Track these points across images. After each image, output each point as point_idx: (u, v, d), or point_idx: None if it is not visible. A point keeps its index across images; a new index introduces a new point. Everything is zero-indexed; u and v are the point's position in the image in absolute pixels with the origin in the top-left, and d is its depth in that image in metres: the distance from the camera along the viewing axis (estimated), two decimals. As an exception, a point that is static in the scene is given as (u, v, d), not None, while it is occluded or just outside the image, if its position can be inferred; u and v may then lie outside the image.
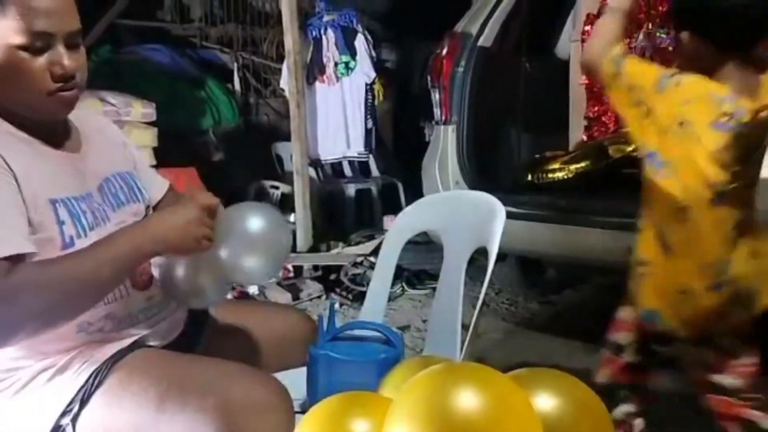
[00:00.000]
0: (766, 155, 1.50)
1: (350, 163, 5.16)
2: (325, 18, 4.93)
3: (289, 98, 4.40)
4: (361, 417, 0.95)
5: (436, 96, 3.16)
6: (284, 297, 3.48)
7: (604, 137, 3.27)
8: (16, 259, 1.12)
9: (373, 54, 4.97)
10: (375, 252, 3.75)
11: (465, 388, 0.86)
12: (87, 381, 1.20)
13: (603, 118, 3.50)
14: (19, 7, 1.18)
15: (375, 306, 1.76)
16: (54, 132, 1.30)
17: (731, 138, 1.37)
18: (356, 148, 5.04)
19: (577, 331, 2.81)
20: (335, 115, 4.97)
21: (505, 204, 1.57)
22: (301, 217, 4.23)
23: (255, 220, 1.29)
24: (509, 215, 1.53)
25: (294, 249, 4.14)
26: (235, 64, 5.72)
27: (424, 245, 2.98)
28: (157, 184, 1.54)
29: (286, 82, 4.60)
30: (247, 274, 1.36)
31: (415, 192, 3.23)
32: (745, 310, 1.46)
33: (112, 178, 1.37)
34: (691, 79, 1.39)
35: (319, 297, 3.60)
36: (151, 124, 3.99)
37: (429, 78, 3.21)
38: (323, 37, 4.92)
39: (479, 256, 1.57)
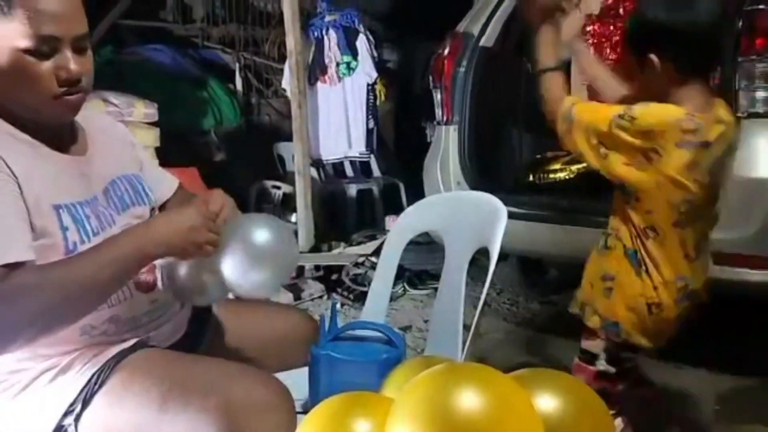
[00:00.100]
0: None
1: (352, 163, 5.17)
2: (327, 18, 4.93)
3: (290, 98, 4.41)
4: (362, 417, 0.95)
5: (437, 96, 3.16)
6: (286, 297, 3.48)
7: (606, 137, 3.27)
8: (15, 266, 1.11)
9: (375, 54, 4.97)
10: (376, 252, 3.76)
11: (466, 388, 0.86)
12: (89, 381, 1.20)
13: (604, 119, 3.51)
14: (26, 10, 1.16)
15: (376, 306, 1.76)
16: (60, 135, 1.29)
17: (695, 155, 1.43)
18: (358, 148, 5.04)
19: (578, 332, 2.80)
20: (337, 115, 4.97)
21: (506, 204, 1.57)
22: (302, 217, 4.23)
23: (261, 234, 1.27)
24: (510, 215, 1.53)
25: (295, 249, 4.13)
26: (237, 65, 5.73)
27: (426, 245, 2.98)
28: (165, 183, 1.53)
29: (287, 82, 4.61)
30: (248, 289, 1.32)
31: (417, 192, 3.23)
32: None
33: (117, 180, 1.36)
34: (646, 110, 1.43)
35: (320, 297, 3.60)
36: (153, 124, 3.99)
37: (430, 78, 3.22)
38: (325, 37, 4.93)
39: (480, 256, 1.57)
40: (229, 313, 1.53)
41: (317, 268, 3.88)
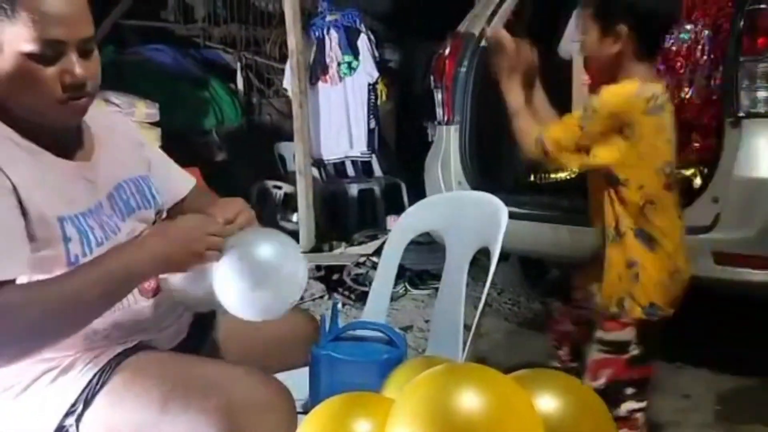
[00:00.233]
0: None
1: (353, 163, 5.17)
2: (328, 18, 4.94)
3: (291, 98, 4.41)
4: (363, 417, 0.95)
5: (438, 96, 3.16)
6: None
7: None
8: (1, 284, 1.09)
9: (376, 54, 4.97)
10: (378, 252, 3.76)
11: (467, 388, 0.87)
12: (90, 381, 1.20)
13: (606, 118, 3.50)
14: (31, 13, 1.13)
15: (377, 306, 1.76)
16: (64, 140, 1.26)
17: (660, 118, 1.58)
18: (359, 148, 5.04)
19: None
20: (338, 115, 4.97)
21: (507, 204, 1.58)
22: (303, 217, 4.23)
23: (262, 250, 1.20)
24: (511, 215, 1.53)
25: (296, 249, 4.13)
26: (238, 64, 5.73)
27: (427, 245, 2.98)
28: (179, 183, 1.50)
29: (289, 82, 4.61)
30: (244, 312, 1.23)
31: (418, 192, 3.23)
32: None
33: (124, 184, 1.33)
34: (602, 98, 1.55)
35: (321, 297, 3.60)
36: (155, 124, 4.00)
37: (432, 78, 3.22)
38: (326, 37, 4.93)
39: (481, 256, 1.57)
40: (230, 314, 1.52)
41: (318, 268, 3.89)
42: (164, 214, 1.43)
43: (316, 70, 4.95)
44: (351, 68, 4.92)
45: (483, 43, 3.11)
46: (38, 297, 1.11)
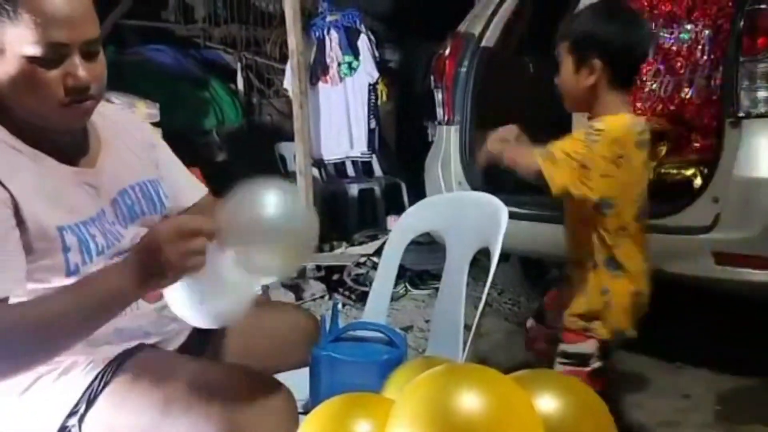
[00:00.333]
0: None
1: (353, 163, 5.17)
2: (328, 18, 4.94)
3: (292, 98, 4.41)
4: (363, 418, 0.95)
5: (438, 96, 3.16)
6: (287, 297, 3.49)
7: (607, 137, 3.27)
8: None
9: (376, 54, 4.98)
10: (378, 252, 3.76)
11: (467, 389, 0.87)
12: (93, 382, 1.20)
13: (606, 118, 3.50)
14: (33, 15, 1.10)
15: (378, 306, 1.76)
16: (69, 145, 1.23)
17: (647, 151, 1.66)
18: (359, 148, 5.05)
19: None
20: (338, 115, 4.97)
21: (507, 204, 1.58)
22: (304, 217, 4.23)
23: (266, 206, 1.13)
24: (512, 216, 1.53)
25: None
26: (239, 65, 5.74)
27: (427, 245, 2.98)
28: (188, 190, 1.45)
29: (289, 82, 4.61)
30: (262, 270, 1.18)
31: (419, 192, 3.23)
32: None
33: (129, 189, 1.30)
34: (605, 122, 1.61)
35: (322, 297, 3.61)
36: (155, 124, 4.00)
37: (432, 78, 3.22)
38: (326, 37, 4.93)
39: (482, 256, 1.58)
40: None
41: (319, 268, 3.89)
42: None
43: (317, 71, 4.95)
44: (351, 68, 4.92)
45: (483, 43, 3.12)
46: (20, 320, 1.07)
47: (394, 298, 3.35)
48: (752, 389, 2.42)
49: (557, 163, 1.59)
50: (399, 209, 4.28)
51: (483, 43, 3.10)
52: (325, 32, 4.93)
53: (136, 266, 1.09)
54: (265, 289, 3.53)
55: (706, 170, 2.45)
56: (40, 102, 1.14)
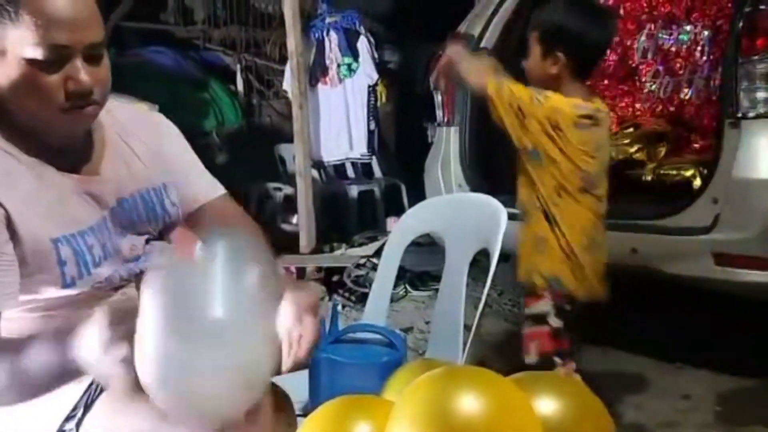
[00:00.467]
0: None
1: (353, 164, 5.17)
2: (328, 20, 4.94)
3: (291, 100, 4.41)
4: (362, 420, 0.95)
5: (438, 97, 3.16)
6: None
7: (607, 138, 3.27)
8: None
9: (376, 55, 4.98)
10: (378, 253, 3.76)
11: (466, 391, 0.87)
12: (90, 385, 1.20)
13: (605, 119, 3.51)
14: (34, 16, 1.06)
15: (378, 307, 1.76)
16: (70, 151, 1.19)
17: (588, 134, 1.79)
18: (359, 149, 5.05)
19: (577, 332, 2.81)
20: (338, 116, 4.97)
21: (506, 206, 1.58)
22: (304, 218, 4.23)
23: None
24: (511, 217, 1.53)
25: (297, 250, 4.14)
26: (238, 66, 5.74)
27: (427, 247, 2.98)
28: (200, 188, 1.35)
29: (288, 83, 4.61)
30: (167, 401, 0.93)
31: (418, 193, 3.23)
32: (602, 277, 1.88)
33: (129, 198, 1.25)
34: (552, 94, 1.77)
35: (321, 299, 3.60)
36: (155, 126, 4.00)
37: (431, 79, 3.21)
38: (326, 38, 4.93)
39: (482, 257, 1.58)
40: None
41: (318, 269, 3.89)
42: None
43: (316, 72, 4.95)
44: (351, 70, 4.92)
45: (483, 43, 3.11)
46: None
47: (394, 300, 3.34)
48: (752, 390, 2.42)
49: (502, 97, 1.76)
50: (399, 210, 4.28)
51: (483, 44, 3.10)
52: (325, 34, 4.93)
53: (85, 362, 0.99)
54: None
55: (705, 171, 2.46)
56: (41, 106, 1.11)
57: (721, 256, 2.25)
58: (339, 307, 3.32)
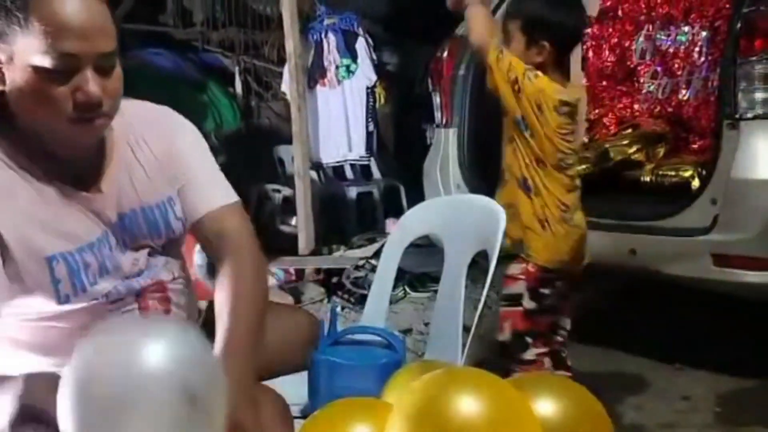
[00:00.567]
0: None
1: (352, 166, 5.17)
2: (326, 21, 4.94)
3: (290, 101, 4.41)
4: (362, 422, 0.95)
5: (436, 99, 3.16)
6: (286, 300, 3.48)
7: (605, 139, 3.28)
8: None
9: (374, 57, 4.98)
10: (377, 255, 3.75)
11: (465, 393, 0.87)
12: None
13: (604, 120, 3.51)
14: (44, 23, 1.03)
15: (377, 309, 1.76)
16: (77, 164, 1.16)
17: (565, 118, 1.90)
18: (358, 151, 5.05)
19: (579, 334, 2.81)
20: (337, 118, 4.97)
21: (505, 207, 1.58)
22: (302, 220, 4.23)
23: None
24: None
25: (296, 252, 4.14)
26: (237, 68, 5.74)
27: (426, 248, 2.98)
28: (206, 197, 1.28)
29: (287, 85, 4.61)
30: None
31: (417, 194, 3.23)
32: (580, 250, 1.99)
33: (131, 213, 1.21)
34: (542, 76, 1.89)
35: (321, 300, 3.60)
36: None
37: (430, 81, 3.22)
38: (324, 40, 4.93)
39: (481, 258, 1.58)
40: None
41: (317, 271, 3.88)
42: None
43: (315, 74, 4.95)
44: (349, 71, 4.92)
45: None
46: None
47: (393, 301, 3.34)
48: (752, 390, 2.42)
49: (501, 68, 1.88)
50: (398, 212, 4.27)
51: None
52: (323, 35, 4.93)
53: None
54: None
55: (704, 172, 2.46)
56: (48, 116, 1.07)
57: (720, 257, 2.25)
58: (338, 309, 3.32)
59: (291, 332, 1.50)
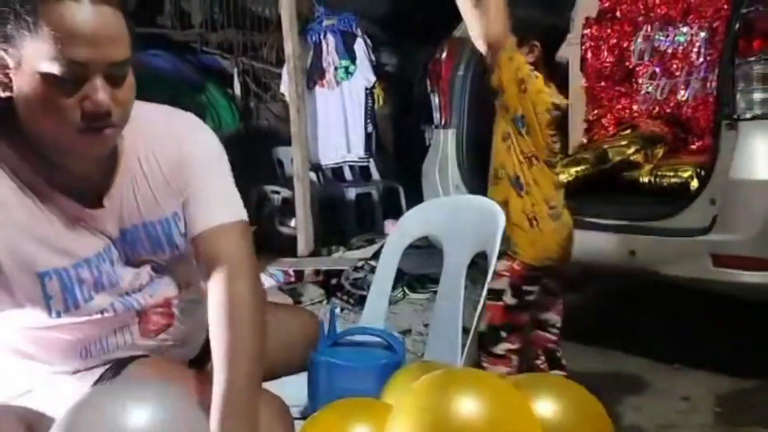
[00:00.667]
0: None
1: (351, 167, 5.17)
2: (325, 23, 4.95)
3: (289, 103, 4.41)
4: (361, 423, 0.95)
5: (435, 100, 3.16)
6: (285, 302, 3.48)
7: (604, 140, 3.28)
8: None
9: (373, 58, 4.98)
10: (376, 256, 3.75)
11: (465, 394, 0.87)
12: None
13: (603, 121, 3.51)
14: (53, 28, 0.99)
15: (376, 310, 1.76)
16: (83, 176, 1.12)
17: (554, 118, 1.97)
18: (357, 152, 5.05)
19: (578, 334, 2.81)
20: (335, 119, 4.98)
21: (504, 208, 1.58)
22: (302, 221, 4.23)
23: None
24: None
25: (295, 253, 4.14)
26: (236, 69, 5.74)
27: (425, 249, 2.98)
28: (202, 214, 1.20)
29: (286, 86, 4.61)
30: None
31: (416, 196, 3.23)
32: (567, 247, 2.02)
33: (132, 228, 1.18)
34: (540, 77, 1.94)
35: (320, 301, 3.60)
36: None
37: (428, 82, 3.22)
38: (323, 41, 4.94)
39: (480, 259, 1.57)
40: None
41: (317, 272, 3.88)
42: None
43: (314, 75, 4.96)
44: (348, 73, 4.93)
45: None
46: None
47: (393, 302, 3.34)
48: (752, 391, 2.42)
49: (510, 67, 1.90)
50: (397, 213, 4.27)
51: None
52: (322, 36, 4.94)
53: None
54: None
55: (702, 172, 2.46)
56: (55, 126, 1.03)
57: (719, 257, 2.25)
58: (337, 310, 3.32)
59: (297, 335, 1.49)
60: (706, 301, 2.67)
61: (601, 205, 2.69)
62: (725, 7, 3.02)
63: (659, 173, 2.81)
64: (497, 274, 1.94)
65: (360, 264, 3.84)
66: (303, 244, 4.18)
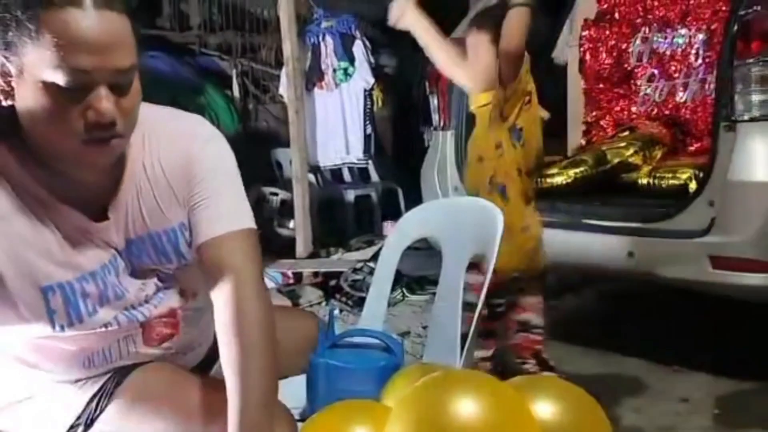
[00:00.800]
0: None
1: (350, 168, 5.17)
2: (324, 24, 4.95)
3: (288, 104, 4.41)
4: (360, 425, 0.95)
5: (434, 101, 3.17)
6: (284, 303, 3.48)
7: (602, 142, 3.28)
8: None
9: (372, 60, 4.99)
10: (375, 257, 3.75)
11: (464, 396, 0.86)
12: (95, 396, 1.17)
13: (601, 123, 3.52)
14: (55, 36, 0.95)
15: (375, 312, 1.75)
16: (88, 187, 1.09)
17: (540, 132, 2.04)
18: (355, 153, 5.05)
19: (578, 336, 2.81)
20: (334, 121, 4.98)
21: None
22: (300, 223, 4.23)
23: None
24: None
25: (293, 255, 4.14)
26: (234, 71, 5.74)
27: (424, 251, 2.98)
28: (204, 224, 1.16)
29: (285, 88, 4.61)
30: None
31: (415, 197, 3.23)
32: (535, 258, 2.06)
33: (138, 240, 1.15)
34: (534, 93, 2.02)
35: (319, 303, 3.60)
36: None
37: (427, 84, 3.22)
38: (321, 43, 4.94)
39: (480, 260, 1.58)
40: None
41: (315, 274, 3.88)
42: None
43: (312, 77, 4.96)
44: (347, 74, 4.93)
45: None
46: None
47: (391, 304, 3.34)
48: (751, 392, 2.42)
49: (522, 80, 1.93)
50: (395, 215, 4.28)
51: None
52: (321, 38, 4.94)
53: None
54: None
55: (701, 174, 2.46)
56: (58, 136, 1.00)
57: (717, 259, 2.25)
58: (336, 312, 3.32)
59: (303, 337, 1.48)
60: (705, 303, 2.67)
61: (600, 206, 2.69)
62: (723, 8, 3.03)
63: (658, 175, 2.81)
64: (471, 287, 1.93)
65: (359, 266, 3.84)
66: (302, 246, 4.18)
